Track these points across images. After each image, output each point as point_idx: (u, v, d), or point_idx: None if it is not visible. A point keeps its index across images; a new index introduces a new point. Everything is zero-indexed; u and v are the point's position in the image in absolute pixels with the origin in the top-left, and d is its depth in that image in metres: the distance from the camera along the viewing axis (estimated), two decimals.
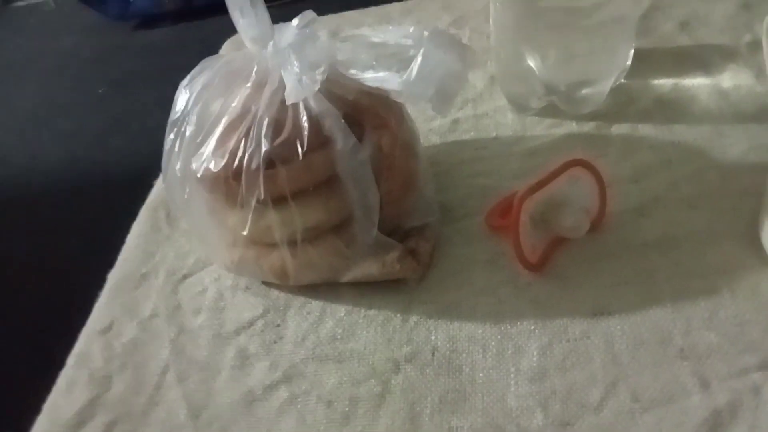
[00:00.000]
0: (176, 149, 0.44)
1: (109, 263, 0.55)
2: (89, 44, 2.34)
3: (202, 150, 0.43)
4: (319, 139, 0.41)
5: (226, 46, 0.75)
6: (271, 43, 0.42)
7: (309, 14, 0.43)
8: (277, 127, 0.41)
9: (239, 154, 0.41)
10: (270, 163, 0.40)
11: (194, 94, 0.44)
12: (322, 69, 0.41)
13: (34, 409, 0.45)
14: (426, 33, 0.42)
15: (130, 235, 0.57)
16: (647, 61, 0.58)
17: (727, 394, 0.35)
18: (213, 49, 0.76)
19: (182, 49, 1.94)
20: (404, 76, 0.40)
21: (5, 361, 1.20)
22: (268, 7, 0.42)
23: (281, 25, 0.43)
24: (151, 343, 0.47)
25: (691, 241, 0.43)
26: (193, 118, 0.43)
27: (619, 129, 0.53)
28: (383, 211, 0.43)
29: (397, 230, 0.45)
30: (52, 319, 0.91)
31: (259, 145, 0.40)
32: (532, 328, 0.41)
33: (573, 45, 0.51)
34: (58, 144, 1.88)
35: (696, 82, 0.55)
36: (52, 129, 1.95)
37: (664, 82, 0.56)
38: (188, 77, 0.45)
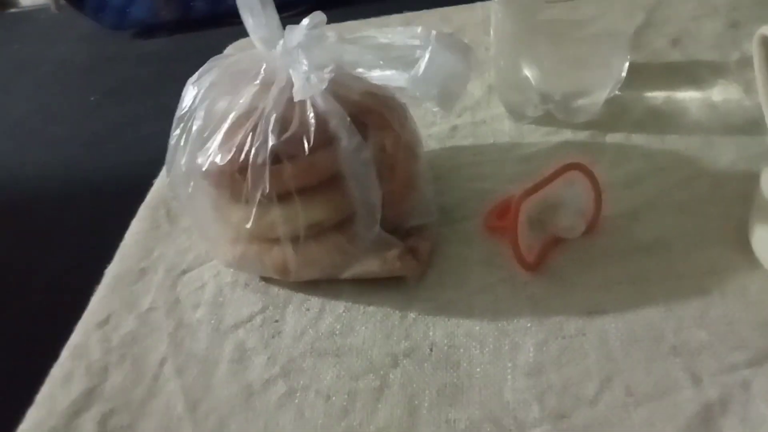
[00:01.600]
0: (182, 144, 0.44)
1: (104, 263, 0.55)
2: (85, 52, 2.35)
3: (208, 145, 0.43)
4: (325, 137, 0.42)
5: (229, 50, 0.76)
6: (281, 42, 0.43)
7: (318, 15, 0.44)
8: (284, 123, 0.41)
9: (245, 148, 0.42)
10: (276, 158, 0.41)
11: (202, 91, 0.44)
12: (329, 68, 0.42)
13: (29, 401, 0.45)
14: (434, 33, 0.43)
15: (128, 232, 0.57)
16: (641, 74, 0.60)
17: (718, 389, 0.36)
18: (210, 58, 0.77)
19: (178, 59, 1.96)
20: (411, 74, 0.41)
21: (2, 356, 1.19)
22: None
23: (291, 26, 0.44)
24: (150, 336, 0.47)
25: (682, 244, 0.44)
26: (201, 114, 0.44)
27: (613, 138, 0.54)
28: (384, 210, 0.43)
29: (398, 229, 0.46)
30: (46, 318, 0.91)
31: (265, 140, 0.41)
32: (529, 325, 0.41)
33: (570, 56, 0.53)
34: (51, 151, 1.88)
35: (687, 95, 0.57)
36: (44, 136, 1.95)
37: (656, 95, 0.58)
38: (196, 74, 0.46)
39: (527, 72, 0.54)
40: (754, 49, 0.44)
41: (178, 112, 0.45)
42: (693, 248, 0.44)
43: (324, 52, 0.43)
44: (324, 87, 0.41)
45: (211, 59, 0.47)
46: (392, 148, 0.44)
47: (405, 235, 0.46)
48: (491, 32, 0.56)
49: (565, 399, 0.37)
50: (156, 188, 0.62)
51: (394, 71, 0.42)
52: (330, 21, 0.80)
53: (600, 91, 0.55)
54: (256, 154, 0.41)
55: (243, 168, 0.41)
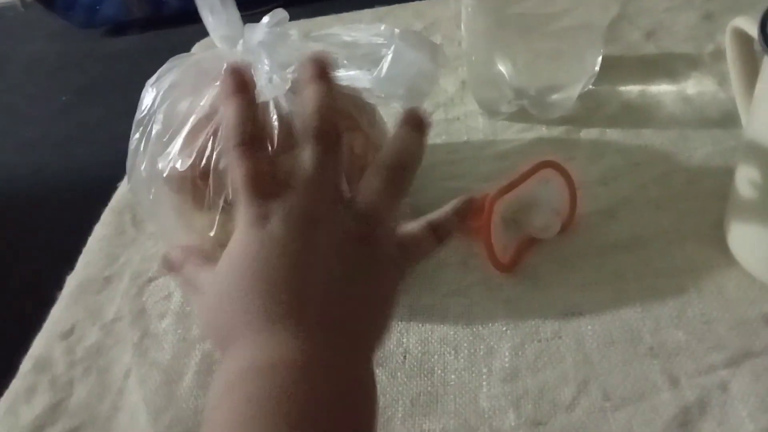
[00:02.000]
0: (142, 149, 0.43)
1: (71, 267, 0.53)
2: (55, 51, 2.29)
3: (168, 149, 0.41)
4: (290, 140, 0.40)
5: (196, 49, 0.74)
6: (241, 41, 0.42)
7: (279, 13, 0.42)
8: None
9: (207, 153, 0.40)
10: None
11: (161, 93, 0.43)
12: (292, 68, 0.40)
13: None
14: (397, 31, 0.41)
15: (91, 238, 0.55)
16: (615, 68, 0.59)
17: (695, 391, 0.35)
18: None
19: (150, 57, 1.91)
20: (375, 74, 0.40)
21: None
22: (246, 15, 0.41)
23: (251, 24, 0.43)
24: (115, 347, 0.45)
25: (659, 242, 0.44)
26: (160, 117, 0.42)
27: (588, 133, 0.54)
28: None
29: None
30: (9, 324, 0.88)
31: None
32: (504, 328, 0.40)
33: (542, 51, 0.52)
34: (21, 152, 1.84)
35: (662, 89, 0.57)
36: (14, 137, 1.91)
37: (631, 89, 0.57)
38: (155, 75, 0.44)
39: (501, 67, 0.53)
40: (727, 42, 0.43)
41: (138, 115, 0.43)
42: (670, 246, 0.43)
43: (287, 50, 0.41)
44: (287, 87, 0.39)
45: (171, 59, 0.45)
46: (361, 149, 0.43)
47: None
48: (462, 27, 0.54)
49: (542, 405, 0.36)
50: (121, 192, 0.60)
51: (358, 71, 0.41)
52: (300, 16, 0.79)
53: (574, 86, 0.54)
54: (218, 160, 0.39)
55: (204, 173, 0.40)
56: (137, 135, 0.43)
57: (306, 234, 0.26)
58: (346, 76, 0.41)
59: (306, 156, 0.27)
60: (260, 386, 0.23)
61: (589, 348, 0.38)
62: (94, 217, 0.58)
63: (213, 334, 0.28)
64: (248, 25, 0.42)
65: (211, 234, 0.41)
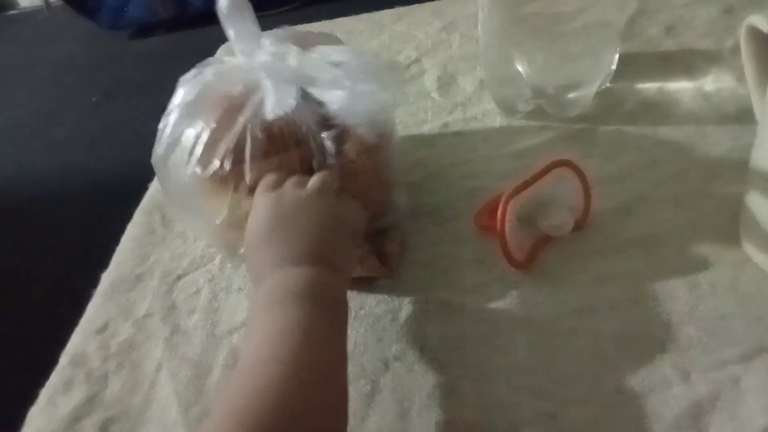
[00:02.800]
0: (169, 134, 0.45)
1: (103, 266, 0.56)
2: (83, 53, 2.35)
3: (199, 137, 0.43)
4: (294, 139, 0.43)
5: (221, 52, 0.76)
6: (260, 52, 0.45)
7: (278, 32, 0.46)
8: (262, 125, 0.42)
9: (231, 145, 0.42)
10: (253, 156, 0.42)
11: (194, 89, 0.45)
12: (295, 90, 0.43)
13: (27, 407, 0.46)
14: (354, 64, 0.44)
15: (124, 237, 0.57)
16: (633, 64, 0.59)
17: (707, 386, 0.36)
18: (207, 56, 0.77)
19: (176, 58, 1.95)
20: (336, 104, 0.43)
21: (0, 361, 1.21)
22: (267, 16, 0.44)
23: (265, 37, 0.45)
24: (146, 343, 0.47)
25: (675, 239, 0.44)
26: (190, 109, 0.44)
27: (605, 131, 0.54)
28: None
29: (365, 229, 0.46)
30: (46, 321, 0.91)
31: (251, 138, 0.42)
32: (520, 324, 0.41)
33: (558, 49, 0.52)
34: (50, 152, 1.89)
35: (680, 86, 0.57)
36: (44, 138, 1.96)
37: (649, 86, 0.58)
38: (189, 73, 0.47)
39: (518, 66, 0.54)
40: (741, 39, 0.43)
41: (170, 107, 0.46)
42: (685, 243, 0.44)
43: (288, 71, 0.44)
44: (292, 107, 0.42)
45: (202, 62, 0.48)
46: (355, 155, 0.44)
47: (372, 236, 0.46)
48: (479, 27, 0.55)
49: (556, 398, 0.37)
50: (151, 193, 0.62)
51: (335, 96, 0.44)
52: (324, 17, 0.80)
53: (590, 84, 0.54)
54: (241, 152, 0.42)
55: (234, 162, 0.42)
56: (165, 123, 0.46)
57: (305, 208, 0.39)
58: (326, 96, 0.44)
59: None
60: (281, 314, 0.35)
61: (603, 343, 0.39)
62: (122, 216, 0.60)
63: (251, 275, 0.41)
64: (263, 38, 0.45)
65: (223, 216, 0.44)
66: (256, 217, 0.40)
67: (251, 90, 0.44)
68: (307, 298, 0.35)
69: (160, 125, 0.46)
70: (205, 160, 0.42)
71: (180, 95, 0.46)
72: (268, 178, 0.41)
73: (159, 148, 0.45)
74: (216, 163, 0.42)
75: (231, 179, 0.43)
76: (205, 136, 0.43)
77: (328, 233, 0.39)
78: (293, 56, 0.44)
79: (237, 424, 0.29)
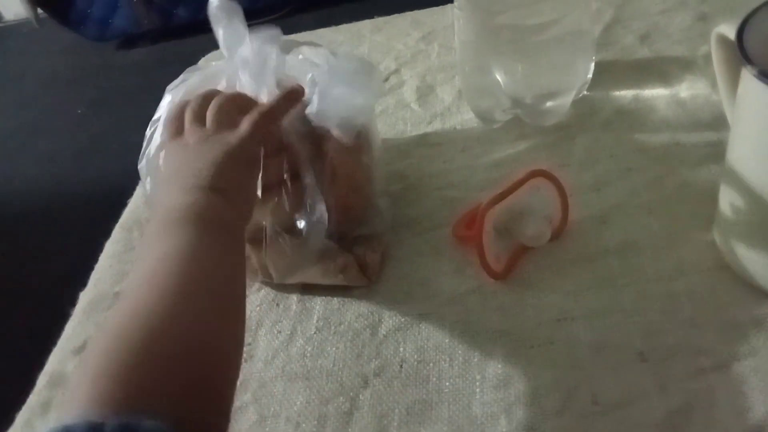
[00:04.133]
0: (156, 142, 0.46)
1: (85, 283, 0.55)
2: (69, 65, 2.33)
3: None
4: (276, 145, 0.43)
5: (203, 63, 0.76)
6: (239, 52, 0.45)
7: (267, 33, 0.45)
8: None
9: None
10: None
11: (176, 98, 0.46)
12: (273, 87, 0.44)
13: (5, 431, 0.45)
14: (326, 67, 0.45)
15: (102, 255, 0.57)
16: (609, 73, 0.60)
17: (683, 396, 0.36)
18: (192, 66, 0.78)
19: (162, 68, 1.95)
20: (309, 107, 0.44)
21: None
22: (249, 25, 0.45)
23: (251, 36, 0.45)
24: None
25: (651, 247, 0.44)
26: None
27: (581, 139, 0.54)
28: (330, 217, 0.44)
29: (345, 237, 0.47)
30: (26, 338, 0.91)
31: None
32: (498, 335, 0.42)
33: (534, 59, 0.53)
34: (37, 165, 1.87)
35: (655, 93, 0.57)
36: (30, 150, 1.94)
37: (624, 93, 0.58)
38: (173, 83, 0.48)
39: (496, 75, 0.54)
40: (712, 48, 0.44)
41: (155, 116, 0.47)
42: (662, 250, 0.44)
43: (268, 69, 0.44)
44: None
45: (187, 70, 0.49)
46: (333, 154, 0.44)
47: (353, 244, 0.46)
48: (455, 38, 0.55)
49: (533, 410, 0.37)
50: (130, 209, 0.61)
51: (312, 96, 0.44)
52: (304, 28, 0.80)
53: (566, 93, 0.55)
54: None
55: None
56: (152, 130, 0.47)
57: (204, 146, 0.40)
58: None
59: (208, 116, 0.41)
60: (176, 211, 0.36)
61: (581, 353, 0.39)
62: (107, 227, 0.60)
63: (153, 208, 0.42)
64: (250, 38, 0.45)
65: None
66: (164, 163, 0.41)
67: (232, 88, 0.45)
68: (190, 221, 0.35)
69: (148, 131, 0.47)
70: None
71: (167, 100, 0.47)
72: (171, 125, 0.42)
73: (146, 153, 0.46)
74: None
75: None
76: None
77: (222, 166, 0.38)
78: (273, 56, 0.45)
79: (113, 347, 0.29)
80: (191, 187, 0.37)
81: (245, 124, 0.40)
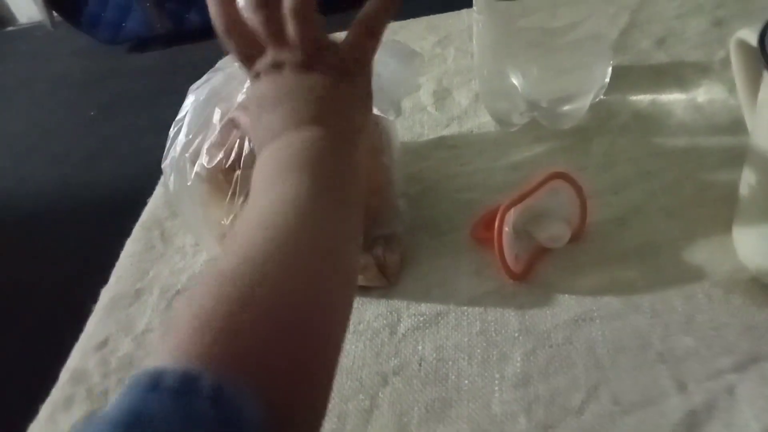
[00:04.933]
0: (178, 141, 0.46)
1: (102, 281, 0.56)
2: (81, 68, 2.36)
3: (202, 144, 0.45)
4: None
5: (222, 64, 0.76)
6: None
7: None
8: None
9: (233, 154, 0.44)
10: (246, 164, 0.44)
11: (201, 98, 0.47)
12: None
13: (29, 424, 0.46)
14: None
15: (123, 253, 0.58)
16: (626, 77, 0.60)
17: (703, 395, 0.36)
18: (204, 71, 0.78)
19: (173, 72, 1.97)
20: None
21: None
22: None
23: None
24: (146, 359, 0.47)
25: (670, 249, 0.45)
26: (196, 119, 0.46)
27: (599, 143, 0.55)
28: None
29: (364, 238, 0.46)
30: (46, 336, 0.91)
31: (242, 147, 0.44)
32: (517, 335, 0.42)
33: (552, 63, 0.53)
34: (49, 167, 1.89)
35: (672, 97, 0.57)
36: (42, 152, 1.96)
37: (642, 98, 0.58)
38: (197, 83, 0.49)
39: (513, 79, 0.55)
40: (732, 53, 0.44)
41: (180, 114, 0.48)
42: (680, 253, 0.44)
43: None
44: None
45: (211, 70, 0.50)
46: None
47: (372, 245, 0.47)
48: (474, 41, 0.56)
49: (552, 409, 0.37)
50: (150, 208, 0.62)
51: None
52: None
53: (584, 97, 0.55)
54: (237, 159, 0.43)
55: (230, 170, 0.44)
56: (176, 129, 0.47)
57: (308, 77, 0.35)
58: None
59: (292, 27, 0.34)
60: (290, 151, 0.32)
61: (600, 353, 0.40)
62: (121, 230, 0.61)
63: (256, 141, 0.36)
64: None
65: (225, 223, 0.45)
66: (258, 90, 0.36)
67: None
68: (304, 167, 0.31)
69: (172, 131, 0.47)
70: (206, 165, 0.44)
71: (190, 100, 0.48)
72: (239, 46, 0.36)
73: (170, 153, 0.47)
74: (213, 167, 0.44)
75: (227, 186, 0.44)
76: (207, 142, 0.44)
77: (331, 99, 0.34)
78: None
79: (216, 288, 0.25)
80: (298, 120, 0.33)
81: (348, 47, 0.35)
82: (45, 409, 0.46)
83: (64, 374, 0.49)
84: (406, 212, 0.50)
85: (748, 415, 0.34)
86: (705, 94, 0.57)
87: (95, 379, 0.47)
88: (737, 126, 0.52)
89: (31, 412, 0.46)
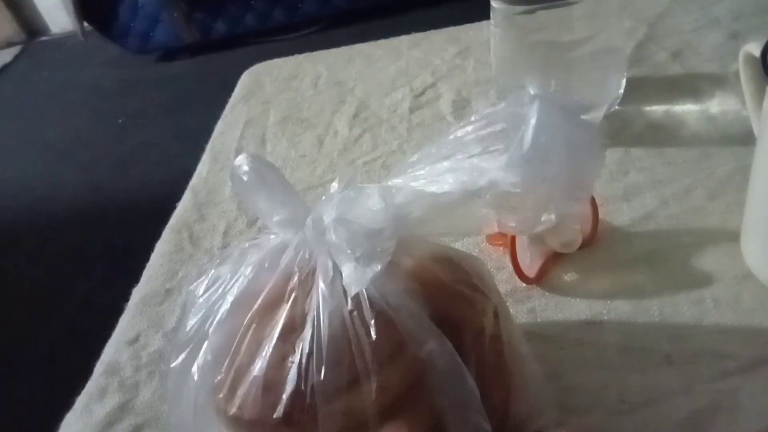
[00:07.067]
0: (194, 376, 0.32)
1: (132, 281, 0.59)
2: (111, 77, 2.43)
3: (233, 380, 0.30)
4: (392, 345, 0.29)
5: (245, 78, 0.79)
6: (309, 220, 0.31)
7: (347, 175, 0.32)
8: (333, 339, 0.28)
9: (291, 386, 0.28)
10: (331, 395, 0.28)
11: (215, 306, 0.33)
12: (386, 236, 0.29)
13: (65, 414, 0.48)
14: (533, 92, 0.31)
15: (154, 254, 0.61)
16: (641, 88, 0.61)
17: (707, 396, 0.37)
18: (231, 80, 0.81)
19: (200, 81, 2.02)
20: (512, 150, 0.29)
21: (36, 372, 1.25)
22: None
23: (319, 200, 0.32)
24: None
25: (679, 255, 0.46)
26: (215, 339, 0.31)
27: (612, 152, 0.56)
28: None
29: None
30: (79, 334, 0.95)
31: (320, 372, 0.28)
32: (529, 336, 0.43)
33: (567, 75, 0.55)
34: (80, 173, 1.95)
35: (686, 108, 0.59)
36: (73, 159, 2.03)
37: (656, 109, 0.60)
38: (200, 280, 0.35)
39: (529, 90, 0.56)
40: (740, 66, 0.46)
41: (183, 336, 0.33)
42: (689, 259, 0.46)
43: (369, 216, 0.30)
44: (377, 270, 0.28)
45: (218, 253, 0.41)
46: (475, 338, 0.32)
47: None
48: (491, 53, 0.58)
49: (562, 408, 0.39)
50: (179, 212, 0.65)
51: (477, 159, 0.30)
52: (341, 43, 0.83)
53: (598, 108, 0.57)
54: (312, 394, 0.28)
55: (288, 417, 0.28)
56: (183, 356, 0.32)
57: None
58: (462, 168, 0.31)
59: None
60: None
61: (609, 355, 0.41)
62: (150, 234, 0.64)
63: None
64: (314, 201, 0.32)
65: None
66: None
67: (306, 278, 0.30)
68: None
69: (177, 357, 0.33)
70: (225, 397, 0.30)
71: (197, 312, 0.33)
72: None
73: (174, 359, 0.33)
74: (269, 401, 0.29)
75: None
76: (250, 376, 0.29)
77: None
78: (375, 192, 0.30)
79: None
80: None
81: None
82: (80, 400, 0.49)
83: (99, 367, 0.51)
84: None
85: (751, 415, 0.36)
86: (718, 105, 0.58)
87: (127, 372, 0.50)
88: (750, 137, 0.53)
89: (67, 405, 0.49)
